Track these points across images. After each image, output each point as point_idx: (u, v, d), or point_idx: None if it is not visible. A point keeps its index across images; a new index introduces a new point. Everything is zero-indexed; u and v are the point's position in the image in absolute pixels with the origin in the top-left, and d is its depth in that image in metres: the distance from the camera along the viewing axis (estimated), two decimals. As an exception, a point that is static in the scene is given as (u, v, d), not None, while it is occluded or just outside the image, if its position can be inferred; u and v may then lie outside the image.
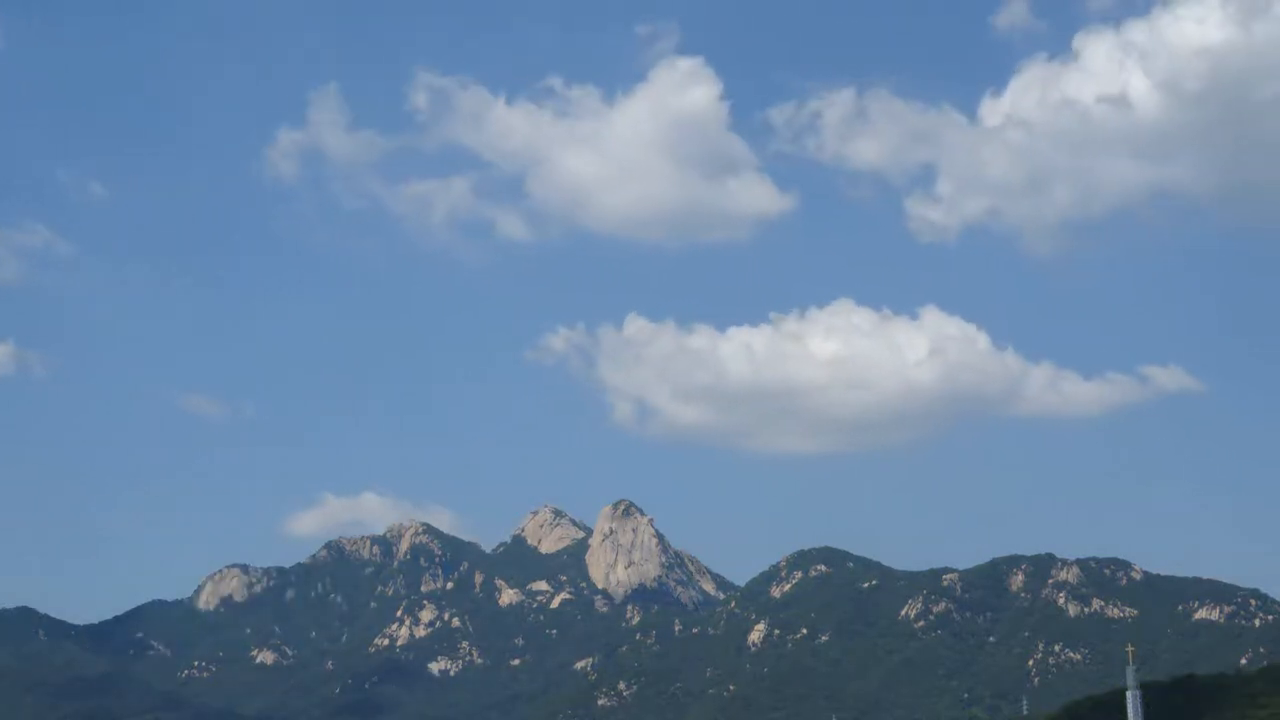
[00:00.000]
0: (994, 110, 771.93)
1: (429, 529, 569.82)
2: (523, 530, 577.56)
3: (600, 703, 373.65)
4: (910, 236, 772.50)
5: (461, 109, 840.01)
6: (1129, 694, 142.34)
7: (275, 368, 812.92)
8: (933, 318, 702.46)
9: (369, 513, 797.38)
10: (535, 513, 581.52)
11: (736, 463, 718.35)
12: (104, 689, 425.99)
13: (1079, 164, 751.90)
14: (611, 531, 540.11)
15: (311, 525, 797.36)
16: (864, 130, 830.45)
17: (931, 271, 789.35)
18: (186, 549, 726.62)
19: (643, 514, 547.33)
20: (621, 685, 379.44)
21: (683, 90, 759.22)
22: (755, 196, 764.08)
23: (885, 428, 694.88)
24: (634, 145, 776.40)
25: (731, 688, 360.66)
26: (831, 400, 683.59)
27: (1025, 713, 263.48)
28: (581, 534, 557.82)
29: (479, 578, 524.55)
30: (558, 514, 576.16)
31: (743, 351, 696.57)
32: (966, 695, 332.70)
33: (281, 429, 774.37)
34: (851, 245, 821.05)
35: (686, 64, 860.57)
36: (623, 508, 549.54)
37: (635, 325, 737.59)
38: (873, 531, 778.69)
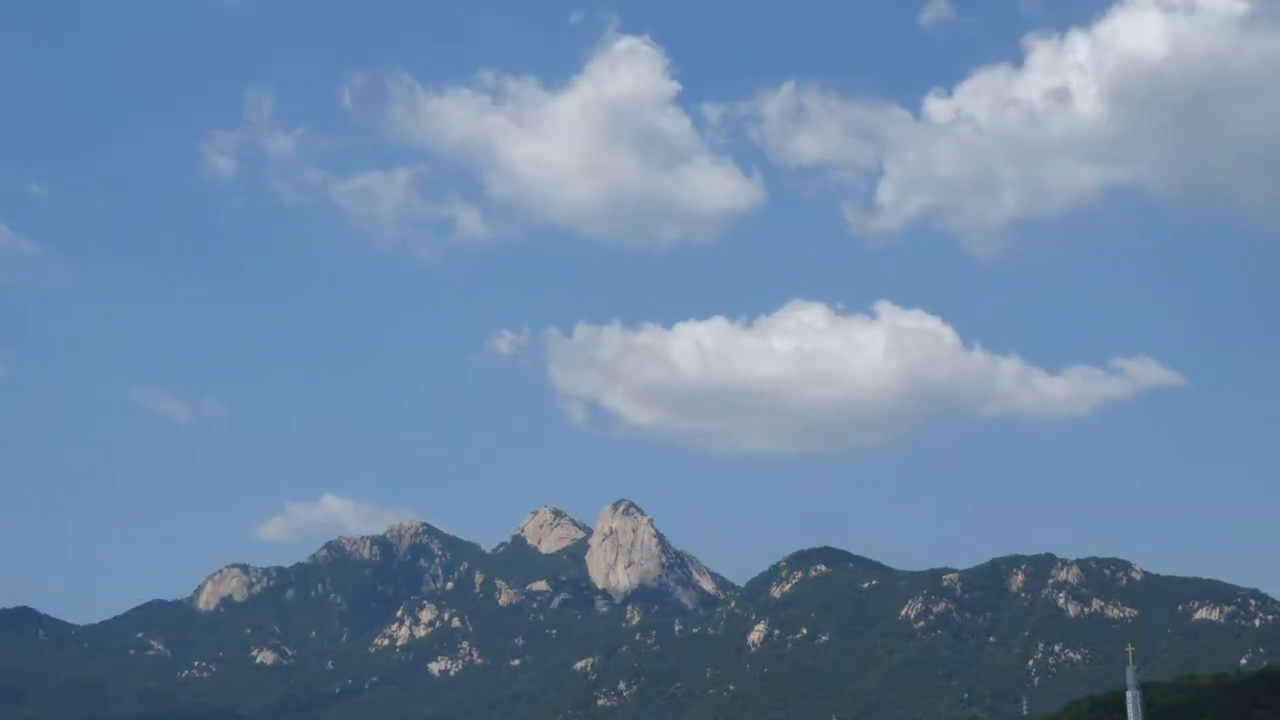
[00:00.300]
0: (943, 108, 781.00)
1: (429, 529, 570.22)
2: (523, 530, 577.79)
3: (600, 703, 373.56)
4: (858, 233, 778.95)
5: (401, 102, 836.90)
6: (1129, 694, 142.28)
7: (233, 368, 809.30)
8: (891, 314, 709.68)
9: (331, 516, 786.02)
10: (535, 513, 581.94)
11: (711, 463, 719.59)
12: (104, 689, 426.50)
13: (1028, 162, 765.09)
14: (611, 531, 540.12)
15: (277, 531, 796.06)
16: (808, 126, 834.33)
17: (882, 268, 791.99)
18: (183, 549, 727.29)
19: (643, 514, 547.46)
20: (621, 685, 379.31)
21: (626, 79, 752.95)
22: (701, 193, 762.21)
23: (854, 427, 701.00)
24: (578, 136, 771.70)
25: (731, 688, 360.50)
26: (799, 399, 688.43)
27: (1025, 713, 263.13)
28: (581, 534, 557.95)
29: (479, 578, 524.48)
30: (558, 514, 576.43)
31: (694, 349, 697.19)
32: (966, 695, 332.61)
33: (246, 432, 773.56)
34: (804, 242, 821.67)
35: (628, 44, 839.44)
36: (623, 508, 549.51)
37: (586, 328, 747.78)
38: (854, 530, 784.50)
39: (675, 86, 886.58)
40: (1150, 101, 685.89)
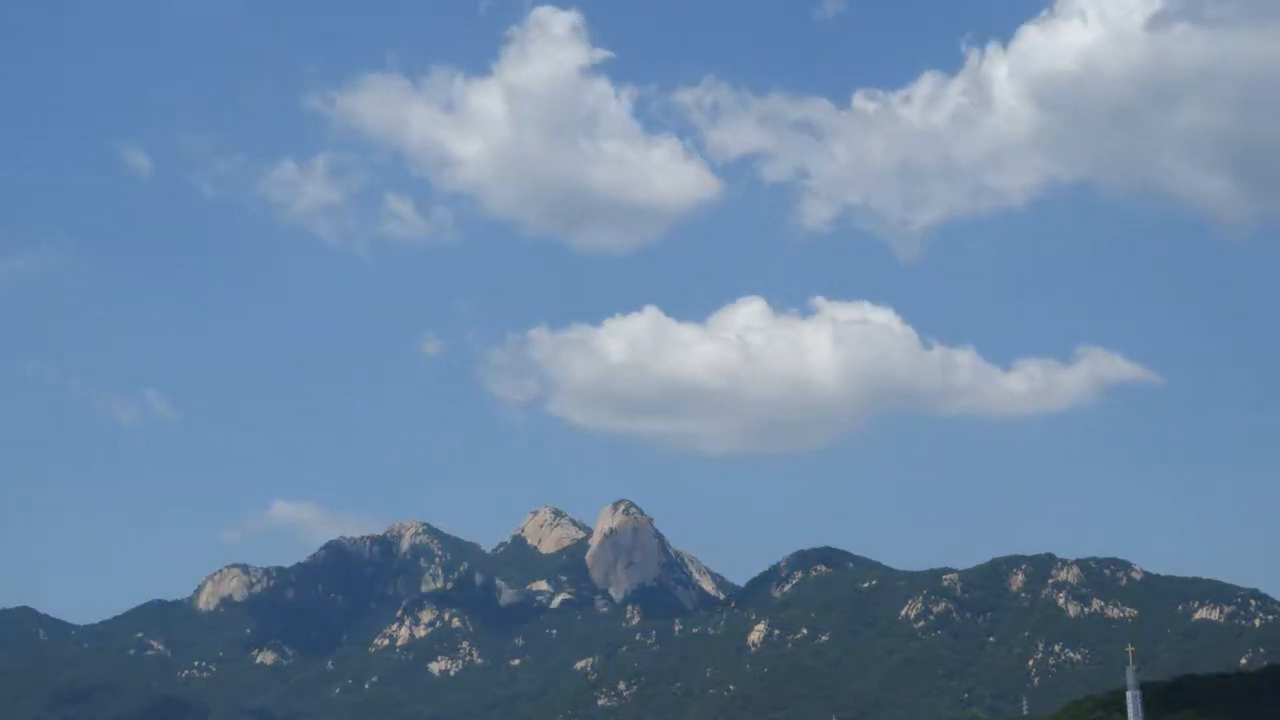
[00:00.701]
0: (875, 105, 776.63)
1: (429, 529, 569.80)
2: (523, 530, 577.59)
3: (600, 703, 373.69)
4: (799, 228, 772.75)
5: (318, 92, 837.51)
6: (1129, 694, 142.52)
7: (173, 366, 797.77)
8: (841, 310, 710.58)
9: (281, 522, 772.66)
10: (535, 513, 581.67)
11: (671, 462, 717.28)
12: (104, 689, 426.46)
13: (960, 160, 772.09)
14: (611, 531, 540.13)
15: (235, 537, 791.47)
16: (740, 120, 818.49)
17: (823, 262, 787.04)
18: (185, 551, 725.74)
19: (643, 514, 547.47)
20: (621, 685, 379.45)
21: (547, 63, 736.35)
22: (635, 186, 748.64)
23: (805, 427, 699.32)
24: (500, 126, 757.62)
25: (731, 688, 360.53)
26: (748, 396, 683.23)
27: (1025, 713, 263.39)
28: (581, 534, 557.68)
29: (479, 578, 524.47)
30: (558, 514, 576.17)
31: (628, 345, 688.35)
32: (966, 695, 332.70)
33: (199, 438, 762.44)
34: (749, 238, 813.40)
35: (553, 24, 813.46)
36: (623, 508, 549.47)
37: (535, 330, 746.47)
38: (853, 530, 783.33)
39: (604, 69, 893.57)
40: (1082, 103, 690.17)
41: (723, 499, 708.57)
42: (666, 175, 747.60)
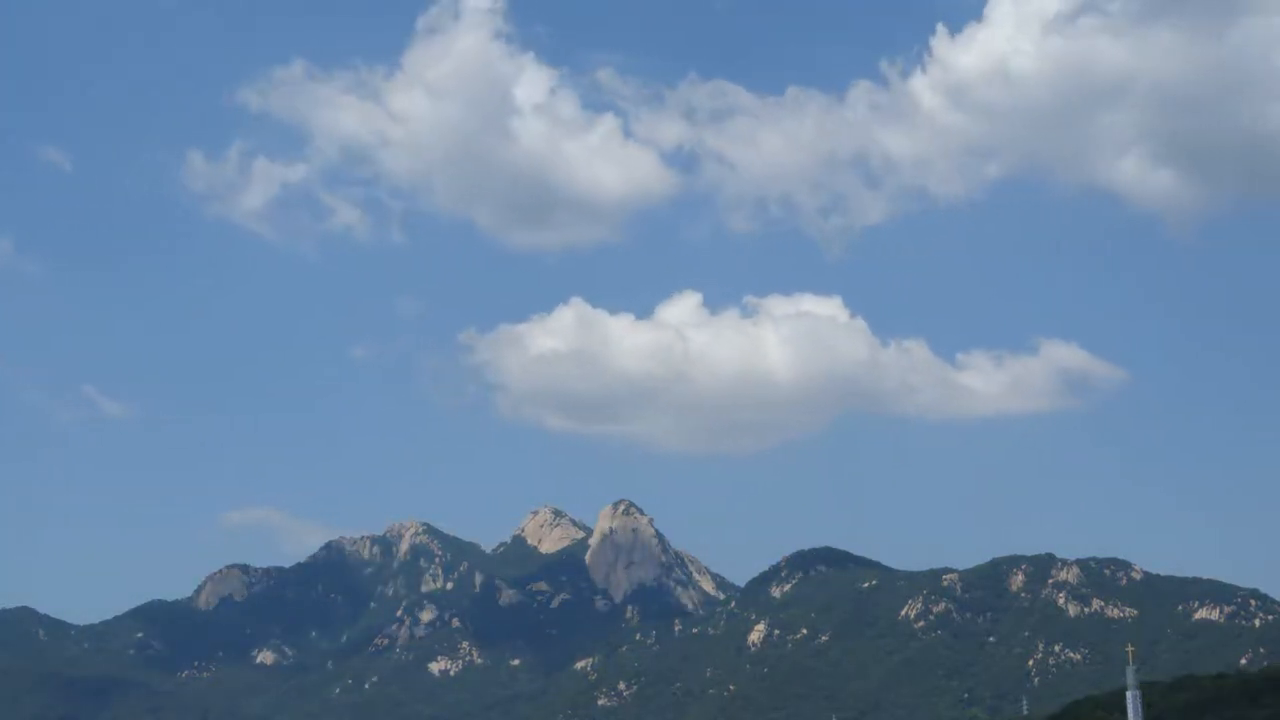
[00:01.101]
0: (805, 98, 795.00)
1: (429, 529, 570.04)
2: (523, 530, 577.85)
3: (600, 703, 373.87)
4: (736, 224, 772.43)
5: (246, 88, 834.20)
6: (1129, 694, 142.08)
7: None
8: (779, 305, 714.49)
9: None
10: (535, 513, 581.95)
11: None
12: (104, 689, 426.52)
13: (903, 154, 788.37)
14: (611, 531, 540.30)
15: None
16: (665, 112, 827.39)
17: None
18: (187, 549, 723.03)
19: (643, 514, 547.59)
20: (621, 685, 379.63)
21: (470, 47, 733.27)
22: (571, 180, 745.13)
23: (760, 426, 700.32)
24: (422, 118, 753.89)
25: (731, 688, 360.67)
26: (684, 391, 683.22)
27: (1025, 713, 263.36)
28: (581, 534, 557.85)
29: (479, 578, 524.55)
30: (557, 514, 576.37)
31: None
32: (966, 695, 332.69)
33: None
34: (684, 230, 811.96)
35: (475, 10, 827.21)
36: (623, 508, 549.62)
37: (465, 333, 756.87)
38: (853, 529, 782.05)
39: (526, 56, 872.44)
40: (1007, 103, 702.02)
41: (688, 497, 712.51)
42: (591, 169, 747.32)
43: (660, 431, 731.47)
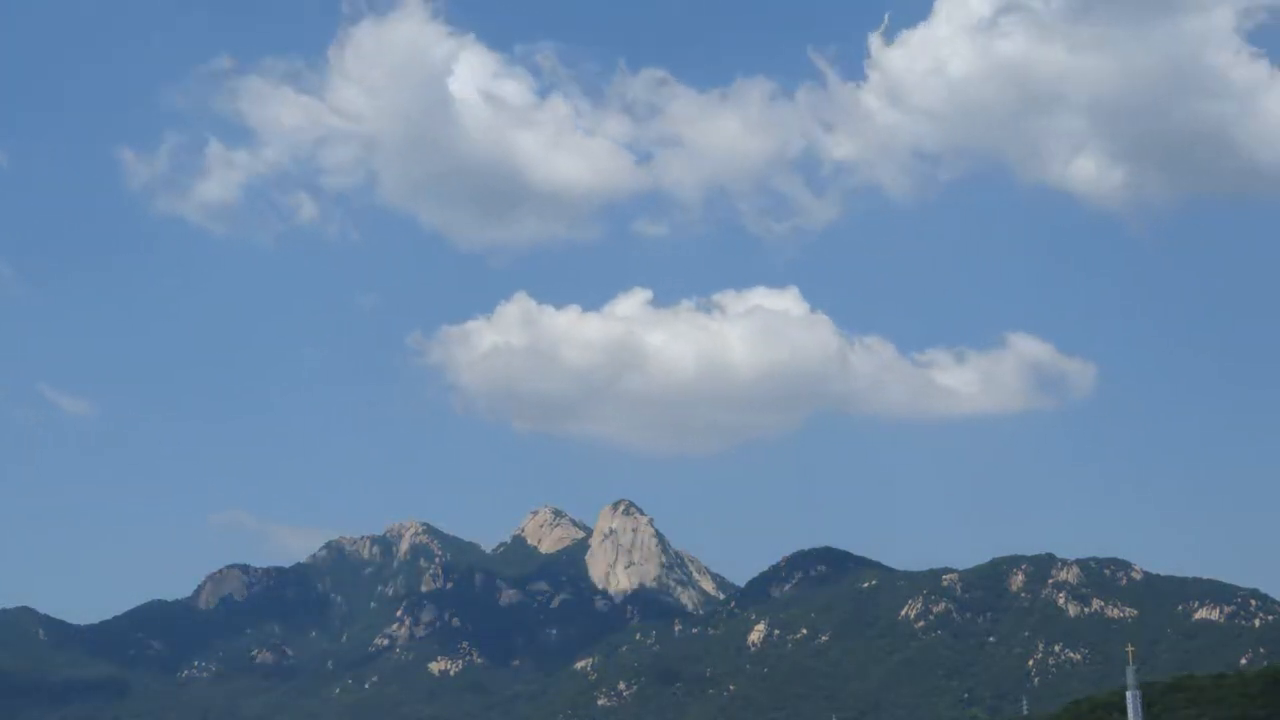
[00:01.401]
0: (761, 91, 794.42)
1: (429, 529, 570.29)
2: (523, 530, 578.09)
3: (600, 703, 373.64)
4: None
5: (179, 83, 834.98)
6: (1129, 694, 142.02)
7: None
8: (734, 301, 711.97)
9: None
10: (535, 513, 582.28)
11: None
12: (104, 689, 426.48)
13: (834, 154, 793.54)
14: (611, 531, 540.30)
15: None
16: (617, 104, 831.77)
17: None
18: (187, 549, 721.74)
19: (643, 514, 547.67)
20: (621, 685, 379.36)
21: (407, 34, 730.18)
22: (527, 171, 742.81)
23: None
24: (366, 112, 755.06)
25: (731, 688, 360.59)
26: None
27: (1025, 713, 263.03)
28: (581, 534, 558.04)
29: (479, 578, 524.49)
30: (558, 514, 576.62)
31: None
32: (966, 695, 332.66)
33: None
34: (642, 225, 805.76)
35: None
36: (623, 508, 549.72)
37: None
38: (852, 529, 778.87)
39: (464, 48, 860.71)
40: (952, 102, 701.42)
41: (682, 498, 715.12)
42: (545, 161, 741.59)
43: (620, 429, 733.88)
